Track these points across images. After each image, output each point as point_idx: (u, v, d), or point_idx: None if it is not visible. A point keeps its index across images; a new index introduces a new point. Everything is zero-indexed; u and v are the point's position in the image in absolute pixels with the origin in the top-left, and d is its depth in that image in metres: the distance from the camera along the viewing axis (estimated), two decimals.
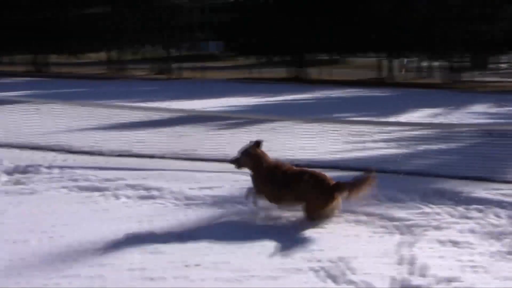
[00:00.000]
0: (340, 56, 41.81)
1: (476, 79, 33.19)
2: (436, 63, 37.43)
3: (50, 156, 10.29)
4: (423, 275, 5.12)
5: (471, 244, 5.90)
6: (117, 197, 7.64)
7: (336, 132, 11.91)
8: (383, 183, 7.61)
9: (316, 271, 5.20)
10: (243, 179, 7.88)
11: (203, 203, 7.33)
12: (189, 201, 7.43)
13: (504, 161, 9.58)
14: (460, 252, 5.70)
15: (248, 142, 7.22)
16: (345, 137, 12.20)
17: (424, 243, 5.93)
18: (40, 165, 9.18)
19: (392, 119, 15.71)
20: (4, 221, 6.58)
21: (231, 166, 7.28)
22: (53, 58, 43.65)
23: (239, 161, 7.15)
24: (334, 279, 5.06)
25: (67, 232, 6.15)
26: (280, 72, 36.55)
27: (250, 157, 7.04)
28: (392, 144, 12.00)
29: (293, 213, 6.80)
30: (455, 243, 5.92)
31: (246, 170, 7.19)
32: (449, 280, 5.01)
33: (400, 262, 5.43)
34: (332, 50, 38.14)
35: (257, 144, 7.13)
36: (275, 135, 11.83)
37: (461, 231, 6.28)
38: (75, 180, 8.41)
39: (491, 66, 37.67)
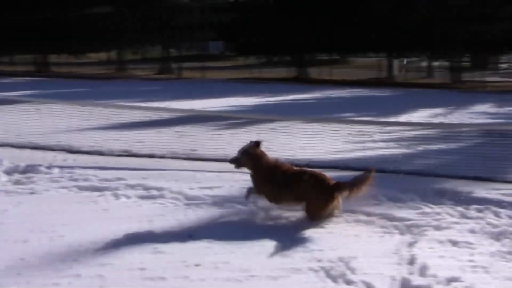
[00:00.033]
0: (340, 56, 41.84)
1: (476, 79, 33.19)
2: (436, 63, 37.46)
3: (50, 156, 10.29)
4: (423, 275, 5.12)
5: (471, 244, 5.90)
6: (117, 197, 7.64)
7: (336, 132, 11.92)
8: (383, 183, 7.63)
9: (316, 271, 5.20)
10: (243, 179, 7.88)
11: (203, 203, 7.32)
12: (189, 201, 7.43)
13: (504, 161, 9.58)
14: (460, 252, 5.70)
15: (248, 142, 7.21)
16: (345, 137, 12.22)
17: (424, 243, 5.93)
18: (40, 165, 9.16)
19: (392, 119, 15.71)
20: (4, 221, 6.57)
21: (231, 166, 7.27)
22: (53, 58, 43.69)
23: (238, 161, 7.15)
24: (334, 279, 5.06)
25: (66, 232, 6.14)
26: (280, 72, 36.57)
27: (250, 157, 7.04)
28: (392, 144, 12.01)
29: (293, 213, 6.80)
30: (455, 243, 5.91)
31: (246, 170, 7.19)
32: (449, 280, 5.01)
33: (400, 262, 5.43)
34: (332, 50, 38.15)
35: (257, 144, 7.13)
36: (275, 135, 11.83)
37: (461, 231, 6.29)
38: (75, 180, 8.41)
39: (491, 66, 37.68)
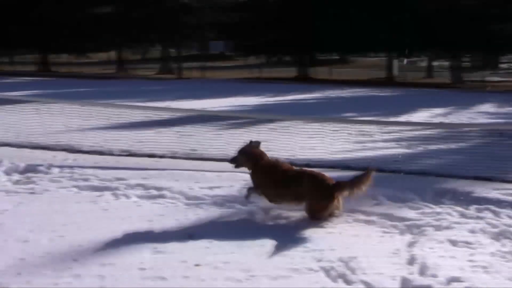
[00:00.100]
0: (346, 56, 41.88)
1: (477, 79, 33.20)
2: (436, 63, 37.47)
3: (49, 156, 10.27)
4: (423, 275, 5.11)
5: (471, 244, 5.89)
6: (116, 197, 7.63)
7: (336, 132, 11.94)
8: (383, 183, 7.64)
9: (316, 271, 5.19)
10: (243, 179, 7.89)
11: (203, 203, 7.31)
12: (189, 201, 7.42)
13: (504, 161, 9.52)
14: (460, 252, 5.69)
15: (247, 141, 7.22)
16: (345, 137, 12.24)
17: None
18: (39, 165, 9.15)
19: (392, 119, 15.72)
20: (4, 221, 6.56)
21: (231, 166, 7.31)
22: (53, 58, 43.71)
23: (237, 161, 7.16)
24: (334, 279, 5.05)
25: (66, 232, 6.13)
26: (287, 71, 36.59)
27: (249, 157, 7.05)
28: (393, 144, 12.01)
29: (293, 213, 6.80)
30: (455, 243, 5.90)
31: (246, 169, 7.19)
32: (449, 280, 5.00)
33: (400, 262, 5.42)
34: (338, 50, 38.16)
35: (256, 144, 7.13)
36: (275, 135, 11.81)
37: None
38: (75, 180, 8.40)
39: (499, 66, 37.68)
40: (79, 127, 13.15)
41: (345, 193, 6.66)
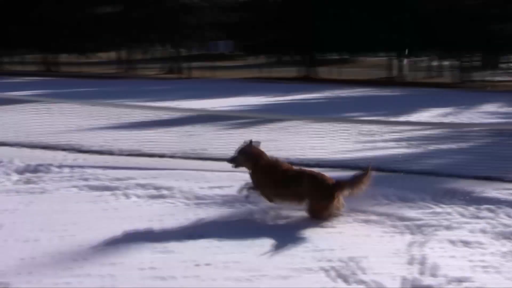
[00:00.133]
0: (349, 56, 41.79)
1: (487, 78, 33.06)
2: (446, 63, 37.35)
3: (60, 156, 10.30)
4: (434, 275, 5.10)
5: (482, 244, 5.88)
6: (127, 196, 7.64)
7: (346, 131, 11.93)
8: (394, 183, 7.63)
9: (326, 270, 5.19)
10: (245, 179, 7.83)
11: (213, 203, 7.32)
12: (199, 200, 7.43)
13: (511, 160, 9.51)
14: (471, 252, 5.68)
15: (243, 141, 7.23)
16: (355, 136, 12.22)
17: (434, 243, 5.91)
18: (50, 165, 9.19)
19: (402, 118, 15.68)
20: (15, 220, 6.59)
21: (231, 166, 7.29)
22: (63, 58, 43.80)
23: (236, 160, 7.16)
24: (344, 278, 5.04)
25: (77, 231, 6.16)
26: (290, 71, 36.55)
27: (248, 156, 7.04)
28: (403, 143, 11.98)
29: (298, 213, 6.79)
30: (466, 243, 5.89)
31: (246, 170, 7.18)
32: (460, 280, 4.99)
33: (410, 262, 5.41)
34: (342, 50, 38.12)
35: (256, 143, 7.13)
36: (284, 134, 11.83)
37: (472, 231, 6.26)
38: (86, 179, 8.42)
39: (502, 65, 37.51)
40: (89, 126, 13.19)
41: (345, 192, 6.68)
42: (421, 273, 5.16)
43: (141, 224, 6.44)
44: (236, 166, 7.24)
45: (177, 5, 38.16)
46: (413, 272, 5.18)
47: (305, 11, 33.56)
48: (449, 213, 6.83)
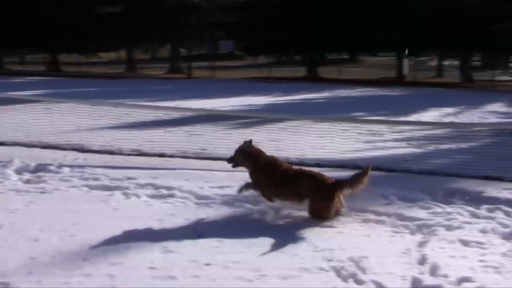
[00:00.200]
0: (353, 55, 41.84)
1: (491, 78, 33.07)
2: (447, 62, 37.38)
3: (60, 156, 10.30)
4: (433, 275, 5.09)
5: (482, 244, 5.87)
6: (127, 196, 7.64)
7: (346, 131, 11.91)
8: (394, 182, 7.62)
9: (326, 270, 5.18)
10: None
11: (213, 203, 7.32)
12: (199, 200, 7.43)
13: None
14: (471, 252, 5.67)
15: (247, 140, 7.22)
16: (355, 136, 12.23)
17: (434, 243, 5.90)
18: (50, 165, 9.18)
19: (402, 118, 15.67)
20: (15, 220, 6.58)
21: (231, 165, 7.29)
22: (63, 58, 43.85)
23: (235, 160, 7.16)
24: (344, 278, 5.04)
25: (77, 231, 6.15)
26: (293, 71, 36.58)
27: (247, 156, 7.04)
28: (403, 143, 11.99)
29: (304, 213, 6.78)
30: (466, 243, 5.88)
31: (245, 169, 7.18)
32: (460, 280, 4.98)
33: (410, 262, 5.40)
34: (341, 49, 38.15)
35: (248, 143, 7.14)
36: (285, 134, 11.81)
37: (472, 231, 6.25)
38: (85, 179, 8.42)
39: (502, 65, 37.54)
40: (89, 126, 13.19)
41: (345, 192, 6.68)
42: (421, 273, 5.15)
43: (141, 224, 6.43)
44: (235, 166, 7.25)
45: (177, 5, 38.20)
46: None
47: (305, 11, 33.59)
48: (449, 213, 6.82)
